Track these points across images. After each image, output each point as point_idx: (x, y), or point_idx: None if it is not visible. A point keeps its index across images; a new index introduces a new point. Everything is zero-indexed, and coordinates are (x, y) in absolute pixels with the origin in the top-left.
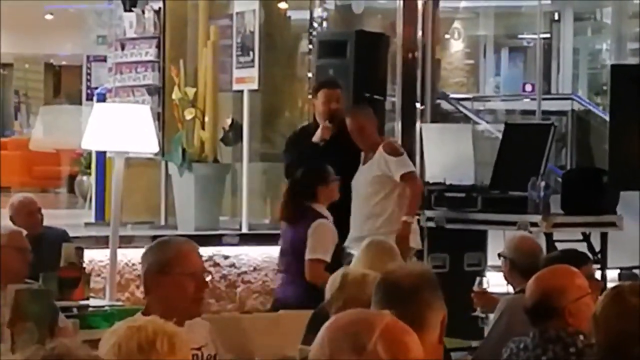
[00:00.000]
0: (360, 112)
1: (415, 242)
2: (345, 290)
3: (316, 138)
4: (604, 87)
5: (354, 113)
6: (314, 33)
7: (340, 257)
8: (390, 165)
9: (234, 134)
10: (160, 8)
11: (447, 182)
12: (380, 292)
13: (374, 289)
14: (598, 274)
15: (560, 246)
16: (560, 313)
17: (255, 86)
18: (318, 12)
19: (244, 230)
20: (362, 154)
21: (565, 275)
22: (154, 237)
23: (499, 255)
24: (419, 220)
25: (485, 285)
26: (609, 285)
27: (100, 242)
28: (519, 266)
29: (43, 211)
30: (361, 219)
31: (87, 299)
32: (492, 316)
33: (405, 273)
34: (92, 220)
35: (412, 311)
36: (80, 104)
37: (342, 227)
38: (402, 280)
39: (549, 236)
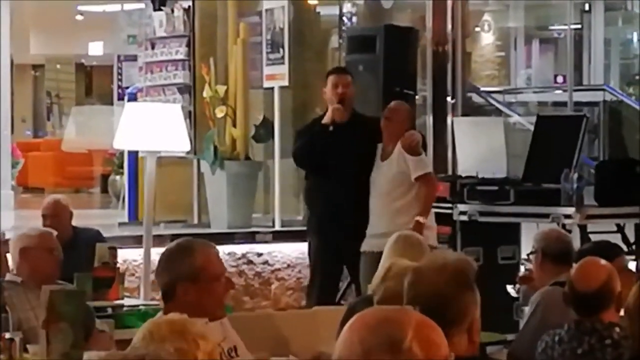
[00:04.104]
0: (400, 105)
1: (432, 239)
2: (387, 283)
3: (326, 119)
4: (636, 77)
5: (395, 104)
6: (344, 28)
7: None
8: (409, 164)
9: (265, 131)
10: (189, 6)
11: (480, 176)
12: (413, 291)
13: (407, 285)
14: (633, 265)
15: (594, 238)
16: (618, 298)
17: (285, 83)
18: (347, 7)
19: (277, 227)
20: (380, 146)
21: (610, 266)
22: (187, 236)
23: (528, 254)
24: (451, 215)
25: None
26: None
27: (134, 241)
28: (550, 255)
29: (77, 211)
30: (384, 216)
31: (122, 298)
32: (526, 309)
33: (440, 271)
34: (126, 219)
35: (448, 314)
36: (112, 103)
37: (360, 219)
38: (438, 281)
39: (582, 228)
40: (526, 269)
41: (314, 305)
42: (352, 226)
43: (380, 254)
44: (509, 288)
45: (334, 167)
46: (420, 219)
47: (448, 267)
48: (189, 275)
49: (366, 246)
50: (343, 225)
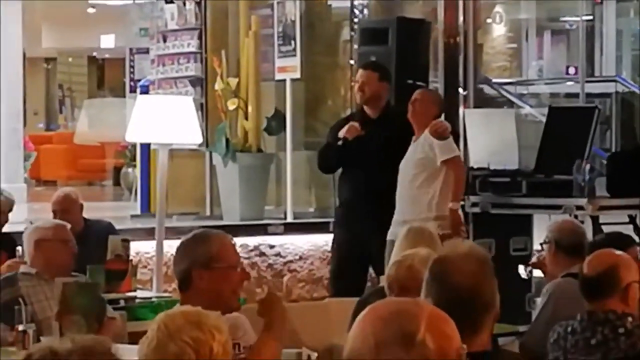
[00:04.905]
0: (422, 94)
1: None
2: (398, 275)
3: (341, 133)
4: None
5: (418, 93)
6: (356, 20)
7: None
8: (435, 148)
9: (277, 123)
10: None
11: (492, 167)
12: (441, 282)
13: (432, 277)
14: None
15: (606, 229)
16: (625, 289)
17: (297, 75)
18: None
19: (289, 219)
20: (414, 137)
21: (626, 256)
22: (200, 228)
23: (541, 244)
24: (463, 207)
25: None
26: None
27: (147, 233)
28: (563, 246)
29: (89, 204)
30: (405, 202)
31: (134, 290)
32: (539, 300)
33: (467, 259)
34: (138, 212)
35: (480, 302)
36: (124, 96)
37: (385, 211)
38: (469, 269)
39: (595, 219)
40: (539, 256)
41: (334, 295)
42: (376, 218)
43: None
44: (521, 269)
45: (362, 161)
46: (454, 205)
47: (474, 255)
48: (205, 262)
49: (390, 235)
50: (367, 217)
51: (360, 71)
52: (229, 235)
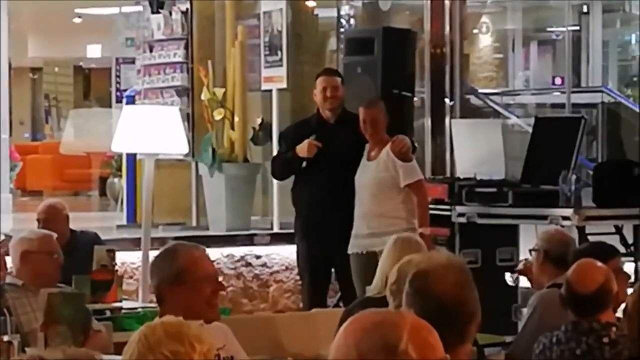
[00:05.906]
0: (376, 105)
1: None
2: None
3: (302, 152)
4: (634, 79)
5: (370, 104)
6: (342, 31)
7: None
8: (398, 170)
9: (263, 134)
10: (187, 9)
11: (478, 177)
12: (417, 302)
13: (414, 290)
14: (631, 267)
15: (592, 239)
16: (614, 300)
17: (283, 85)
18: (345, 9)
19: (275, 229)
20: (367, 146)
21: (605, 267)
22: (186, 238)
23: (530, 251)
24: (449, 217)
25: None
26: None
27: (132, 244)
28: (552, 256)
29: (75, 214)
30: (368, 217)
31: (120, 301)
32: (525, 311)
33: (448, 269)
34: (124, 222)
35: (456, 326)
36: (110, 106)
37: (347, 220)
38: (452, 280)
39: (581, 229)
40: (525, 263)
41: (308, 308)
42: (338, 227)
43: (368, 254)
44: (507, 276)
45: (320, 167)
46: (424, 230)
47: (454, 264)
48: (173, 278)
49: (353, 248)
50: (332, 227)
51: (326, 77)
52: (201, 247)
